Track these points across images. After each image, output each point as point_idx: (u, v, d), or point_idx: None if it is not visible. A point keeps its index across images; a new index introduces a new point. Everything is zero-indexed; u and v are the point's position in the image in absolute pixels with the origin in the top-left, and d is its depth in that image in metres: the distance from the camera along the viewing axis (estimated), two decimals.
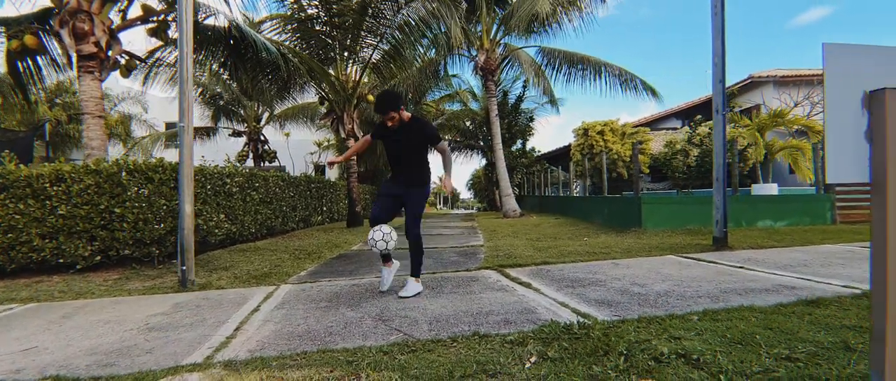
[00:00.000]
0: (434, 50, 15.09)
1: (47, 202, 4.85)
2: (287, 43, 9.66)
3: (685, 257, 5.15)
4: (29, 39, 5.55)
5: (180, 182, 4.28)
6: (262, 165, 17.60)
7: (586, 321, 2.75)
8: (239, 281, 4.61)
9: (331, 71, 10.15)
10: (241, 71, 7.55)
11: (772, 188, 10.08)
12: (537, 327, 2.68)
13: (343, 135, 10.30)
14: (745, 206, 8.10)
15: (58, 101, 15.67)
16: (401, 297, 3.64)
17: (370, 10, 9.40)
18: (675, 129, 21.35)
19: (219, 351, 2.53)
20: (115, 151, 18.10)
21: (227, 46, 7.35)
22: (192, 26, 4.25)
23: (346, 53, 9.93)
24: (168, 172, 5.36)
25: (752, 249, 5.60)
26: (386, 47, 10.08)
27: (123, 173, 5.07)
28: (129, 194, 5.06)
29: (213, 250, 6.58)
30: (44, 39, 5.92)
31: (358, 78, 10.31)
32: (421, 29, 10.07)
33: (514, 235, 8.66)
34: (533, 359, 2.13)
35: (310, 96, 12.87)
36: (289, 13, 9.20)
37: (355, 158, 19.84)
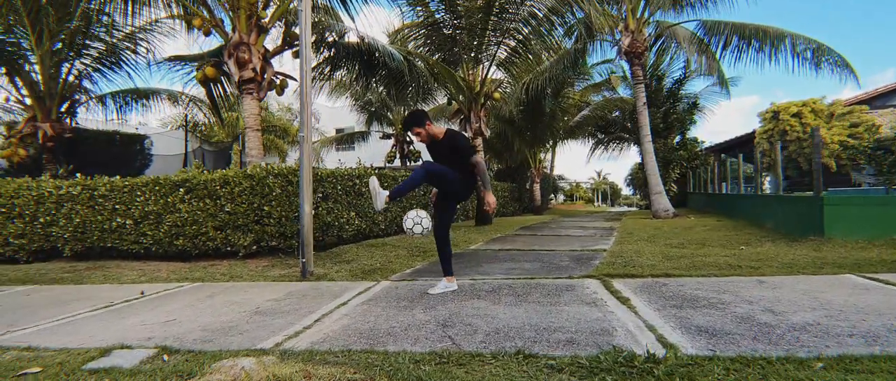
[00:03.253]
0: (574, 38, 14.33)
1: (218, 201, 6.03)
2: (419, 50, 10.23)
3: (867, 278, 3.92)
4: (209, 70, 7.03)
5: (300, 185, 4.89)
6: (408, 164, 19.09)
7: (663, 352, 2.29)
8: (351, 275, 5.05)
9: (459, 72, 10.41)
10: (372, 80, 8.27)
11: None
12: (595, 353, 2.34)
13: (470, 133, 10.48)
14: None
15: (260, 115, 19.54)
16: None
17: (495, 7, 9.35)
18: None
19: (289, 339, 2.82)
20: (294, 156, 21.63)
21: (361, 60, 8.12)
22: (310, 52, 4.81)
23: (472, 53, 10.07)
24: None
25: None
26: (512, 43, 9.92)
27: (270, 178, 6.00)
28: (274, 194, 5.97)
29: (346, 244, 7.35)
30: (225, 69, 7.42)
31: (484, 76, 10.38)
32: (551, 19, 9.64)
33: (651, 239, 7.71)
34: None
35: (444, 99, 13.43)
36: (420, 20, 9.74)
37: (489, 154, 20.09)
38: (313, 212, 6.25)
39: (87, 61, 8.53)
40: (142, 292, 4.47)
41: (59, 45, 7.78)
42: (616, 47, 13.97)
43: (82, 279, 5.39)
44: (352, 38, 7.81)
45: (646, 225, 10.90)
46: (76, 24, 7.31)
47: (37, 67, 7.80)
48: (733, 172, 14.40)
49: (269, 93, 7.22)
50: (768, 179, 15.28)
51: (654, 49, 16.44)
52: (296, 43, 7.04)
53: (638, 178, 33.01)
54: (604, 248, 6.77)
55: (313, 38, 7.51)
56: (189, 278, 5.16)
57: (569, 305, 3.43)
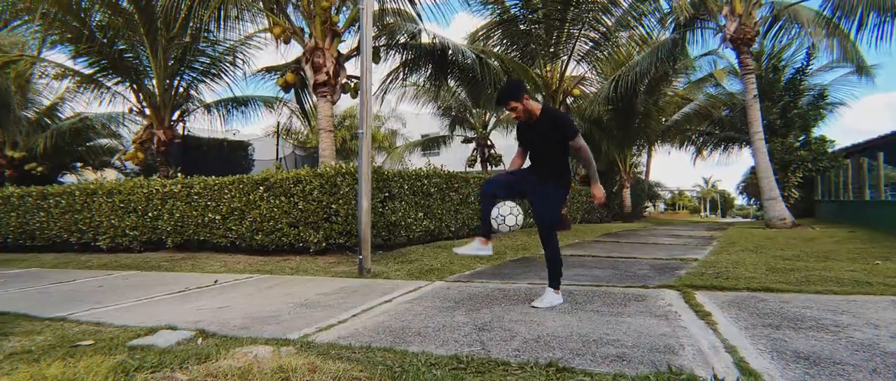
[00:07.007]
0: (671, 27, 13.15)
1: (292, 199, 6.31)
2: (496, 48, 9.99)
3: None
4: (289, 76, 7.47)
5: (359, 183, 4.91)
6: (488, 168, 18.83)
7: (735, 379, 1.82)
8: (408, 274, 4.94)
9: (537, 70, 9.97)
10: (443, 80, 8.21)
11: None
12: (645, 372, 1.93)
13: None
14: None
15: (346, 123, 20.77)
16: (533, 306, 3.27)
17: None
18: None
19: (320, 332, 2.75)
20: (380, 159, 22.49)
21: (433, 60, 8.10)
22: (370, 49, 4.84)
23: (549, 48, 9.59)
24: (371, 175, 6.22)
25: None
26: (594, 35, 9.26)
27: (338, 177, 6.15)
28: (342, 192, 6.11)
29: (414, 244, 7.31)
30: (302, 74, 7.86)
31: (562, 72, 9.81)
32: (636, 6, 8.87)
33: (757, 250, 6.65)
34: None
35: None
36: (488, 19, 9.53)
37: (574, 162, 18.97)
38: (379, 211, 6.31)
39: (194, 74, 9.62)
40: (215, 281, 4.77)
41: (172, 62, 8.84)
42: (719, 34, 12.48)
43: (175, 267, 5.94)
44: (423, 39, 7.82)
45: (754, 235, 9.52)
46: (185, 41, 8.26)
47: (154, 81, 8.96)
48: (873, 176, 12.07)
49: (344, 95, 7.45)
50: None
51: (771, 35, 14.52)
52: None
53: (751, 184, 29.37)
54: (696, 257, 5.95)
55: (384, 41, 7.66)
56: (260, 271, 5.43)
57: (633, 316, 2.97)
